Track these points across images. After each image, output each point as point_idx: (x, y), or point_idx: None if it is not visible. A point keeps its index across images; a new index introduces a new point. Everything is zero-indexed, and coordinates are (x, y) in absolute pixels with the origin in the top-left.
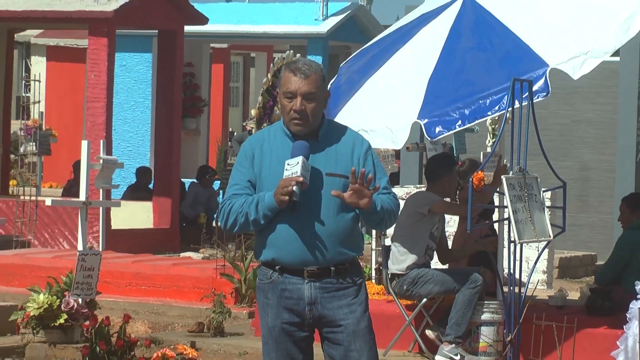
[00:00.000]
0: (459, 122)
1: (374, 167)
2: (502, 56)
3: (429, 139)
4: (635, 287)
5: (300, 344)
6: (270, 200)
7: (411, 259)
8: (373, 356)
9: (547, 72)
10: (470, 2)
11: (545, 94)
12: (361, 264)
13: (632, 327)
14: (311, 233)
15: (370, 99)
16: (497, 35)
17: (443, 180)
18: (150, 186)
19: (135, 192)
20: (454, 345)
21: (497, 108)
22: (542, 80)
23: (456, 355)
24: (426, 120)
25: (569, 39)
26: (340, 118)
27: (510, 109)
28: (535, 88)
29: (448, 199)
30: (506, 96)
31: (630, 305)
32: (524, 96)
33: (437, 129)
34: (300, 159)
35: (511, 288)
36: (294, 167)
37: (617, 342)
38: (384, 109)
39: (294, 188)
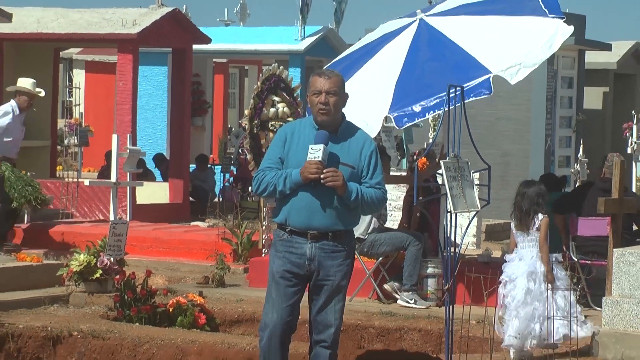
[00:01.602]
0: (421, 114)
1: (375, 165)
2: (453, 65)
3: (383, 133)
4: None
5: (294, 288)
6: (297, 176)
7: (367, 223)
8: (343, 305)
9: (491, 77)
10: (424, 24)
11: (489, 92)
12: None
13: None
14: (317, 205)
15: (349, 98)
16: (448, 49)
17: (382, 162)
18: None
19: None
20: (410, 292)
21: (454, 106)
22: (487, 84)
23: (411, 299)
24: (395, 114)
25: (506, 52)
26: None
27: (447, 108)
28: (481, 89)
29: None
30: (447, 98)
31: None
32: (475, 92)
33: (404, 120)
34: (322, 146)
35: (448, 248)
36: (316, 152)
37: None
38: (360, 106)
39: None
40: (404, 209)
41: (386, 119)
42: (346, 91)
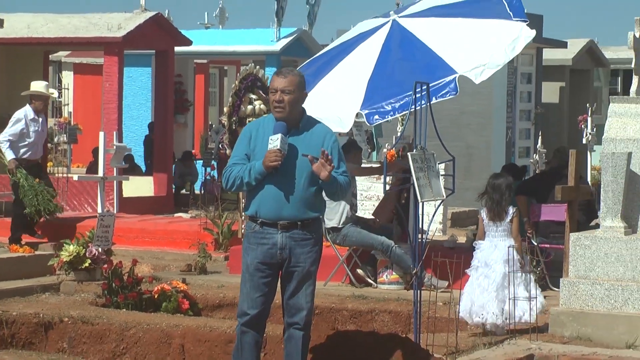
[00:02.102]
0: (391, 112)
1: (338, 155)
2: (422, 65)
3: (354, 127)
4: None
5: (267, 279)
6: (260, 167)
7: (340, 214)
8: (314, 288)
9: (457, 77)
10: (397, 25)
11: (454, 93)
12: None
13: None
14: (285, 196)
15: (323, 95)
16: (418, 50)
17: (352, 154)
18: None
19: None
20: (425, 277)
21: (420, 103)
22: (453, 84)
23: (428, 282)
24: (367, 111)
25: (471, 54)
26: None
27: (414, 105)
28: (446, 90)
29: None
30: (414, 95)
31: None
32: (441, 93)
33: (375, 117)
34: (279, 135)
35: (416, 235)
36: (275, 142)
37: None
38: (334, 102)
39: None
40: (384, 200)
41: (357, 114)
42: (316, 88)
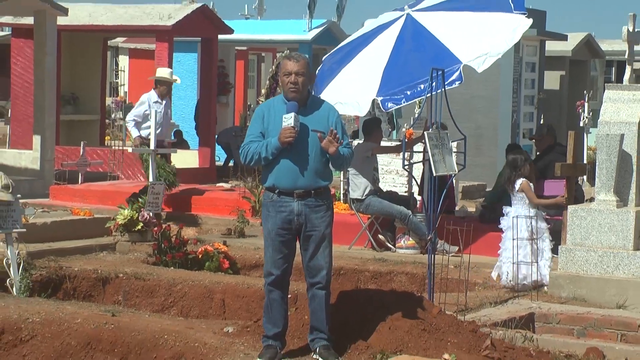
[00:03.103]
0: (404, 99)
1: (342, 129)
2: (432, 56)
3: (377, 109)
4: (504, 210)
5: (287, 243)
6: (276, 142)
7: (364, 186)
8: (331, 249)
9: (461, 67)
10: (410, 19)
11: (459, 82)
12: (332, 190)
13: (506, 234)
14: (299, 168)
15: (345, 81)
16: (428, 42)
17: (374, 133)
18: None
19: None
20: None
21: (432, 88)
22: (457, 73)
23: (440, 246)
24: (381, 98)
25: (475, 44)
26: (325, 94)
27: (430, 90)
28: (453, 78)
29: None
30: (434, 84)
31: (501, 220)
32: (447, 82)
33: (389, 104)
34: (293, 114)
35: (431, 205)
36: (289, 120)
37: (500, 244)
38: (353, 89)
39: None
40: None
41: (373, 101)
42: (328, 76)
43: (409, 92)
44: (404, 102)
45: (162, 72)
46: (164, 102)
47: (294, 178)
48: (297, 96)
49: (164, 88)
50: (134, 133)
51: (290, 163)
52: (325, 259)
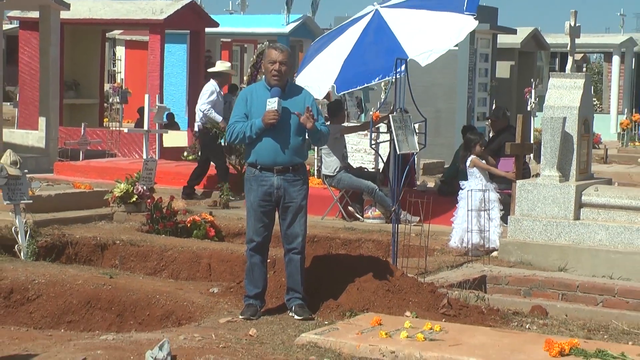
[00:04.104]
0: (357, 84)
1: (317, 110)
2: (385, 49)
3: (347, 94)
4: (460, 184)
5: (267, 213)
6: (259, 123)
7: (335, 163)
8: (306, 219)
9: (407, 60)
10: (377, 14)
11: (404, 73)
12: (307, 167)
13: (460, 204)
14: (279, 146)
15: (315, 67)
16: (386, 36)
17: (339, 115)
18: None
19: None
20: (391, 213)
21: (380, 77)
22: (404, 65)
23: (403, 217)
24: (337, 84)
25: (423, 41)
26: (300, 77)
27: (393, 76)
28: (401, 69)
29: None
30: (381, 76)
31: (459, 193)
32: (396, 71)
33: (341, 88)
34: (276, 99)
35: (395, 180)
36: (272, 104)
37: (454, 213)
38: (318, 74)
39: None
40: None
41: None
42: (307, 61)
43: (362, 78)
44: (356, 88)
45: (222, 66)
46: (222, 92)
47: (274, 155)
48: (279, 83)
49: (222, 79)
50: (218, 118)
51: (272, 141)
52: (301, 227)
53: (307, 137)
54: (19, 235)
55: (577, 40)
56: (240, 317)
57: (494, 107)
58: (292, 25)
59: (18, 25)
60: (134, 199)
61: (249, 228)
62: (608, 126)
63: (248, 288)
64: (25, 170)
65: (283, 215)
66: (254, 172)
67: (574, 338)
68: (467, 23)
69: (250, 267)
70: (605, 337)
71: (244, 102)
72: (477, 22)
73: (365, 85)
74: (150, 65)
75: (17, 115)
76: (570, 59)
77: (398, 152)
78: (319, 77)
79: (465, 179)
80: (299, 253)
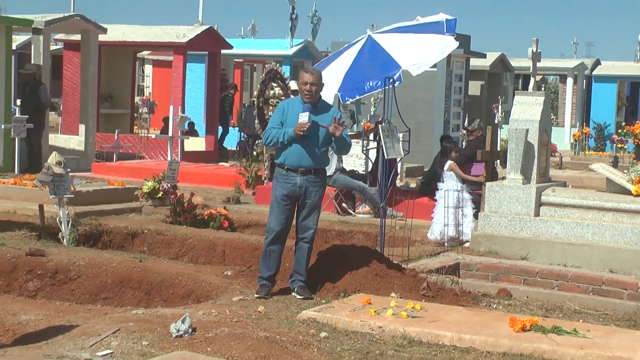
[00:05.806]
0: (357, 94)
1: (343, 123)
2: (380, 63)
3: (342, 107)
4: (438, 185)
5: (289, 207)
6: (291, 133)
7: (333, 165)
8: (319, 215)
9: (400, 70)
10: (370, 39)
11: (399, 82)
12: None
13: (438, 202)
14: (306, 152)
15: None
16: (380, 53)
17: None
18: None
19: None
20: (379, 209)
21: (376, 89)
22: (398, 74)
23: (389, 212)
24: (341, 93)
25: (412, 55)
26: None
27: (382, 91)
28: (395, 78)
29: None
30: (380, 83)
31: (437, 192)
32: (390, 82)
33: (346, 98)
34: (307, 113)
35: (383, 181)
36: (304, 117)
37: (434, 209)
38: (326, 87)
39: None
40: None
41: (335, 95)
42: (322, 81)
43: (361, 90)
44: (357, 96)
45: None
46: None
47: (299, 159)
48: (311, 101)
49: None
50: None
51: (300, 147)
52: (314, 221)
53: (333, 144)
54: (62, 225)
55: (538, 64)
56: (256, 295)
57: (466, 120)
58: (295, 48)
59: (63, 46)
60: (160, 195)
61: (271, 218)
62: (563, 137)
63: (263, 270)
64: (68, 170)
65: (301, 210)
66: (282, 171)
67: (534, 316)
68: (449, 42)
69: (268, 253)
70: (560, 315)
71: (281, 112)
72: (457, 42)
73: (366, 94)
74: (174, 81)
75: (60, 123)
76: (532, 80)
77: (386, 157)
78: (324, 88)
79: (443, 180)
80: (308, 242)
